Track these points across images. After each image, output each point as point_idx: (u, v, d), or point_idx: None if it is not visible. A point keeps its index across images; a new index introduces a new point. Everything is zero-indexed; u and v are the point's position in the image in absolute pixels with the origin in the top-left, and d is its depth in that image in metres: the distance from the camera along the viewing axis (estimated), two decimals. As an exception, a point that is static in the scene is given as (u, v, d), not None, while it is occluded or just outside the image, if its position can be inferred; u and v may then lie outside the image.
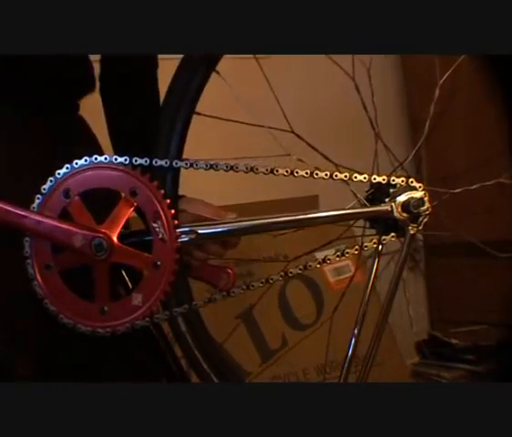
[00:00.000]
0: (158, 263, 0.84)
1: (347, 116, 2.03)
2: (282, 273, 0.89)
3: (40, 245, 0.83)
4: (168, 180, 0.89)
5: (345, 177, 0.89)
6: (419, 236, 0.94)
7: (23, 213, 0.81)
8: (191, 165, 0.88)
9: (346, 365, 0.92)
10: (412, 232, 0.90)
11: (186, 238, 0.86)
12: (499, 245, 2.02)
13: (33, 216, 0.82)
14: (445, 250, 2.29)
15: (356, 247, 0.92)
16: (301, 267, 0.89)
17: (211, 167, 0.87)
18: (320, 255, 0.94)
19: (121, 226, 0.84)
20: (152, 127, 0.91)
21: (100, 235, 0.82)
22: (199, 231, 0.87)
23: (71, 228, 0.82)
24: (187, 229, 0.86)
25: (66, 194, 0.83)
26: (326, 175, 0.89)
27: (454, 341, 2.09)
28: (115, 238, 0.83)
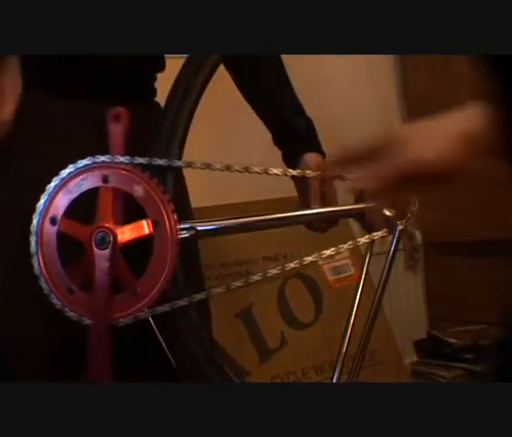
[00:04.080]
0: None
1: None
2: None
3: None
4: (168, 178, 0.90)
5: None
6: (418, 235, 0.96)
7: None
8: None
9: (339, 364, 0.92)
10: (400, 228, 0.92)
11: (186, 234, 0.87)
12: (497, 244, 2.02)
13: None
14: (444, 249, 2.29)
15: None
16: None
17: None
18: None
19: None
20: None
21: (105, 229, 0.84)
22: (198, 228, 0.89)
23: None
24: (187, 226, 0.88)
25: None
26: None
27: (453, 341, 2.09)
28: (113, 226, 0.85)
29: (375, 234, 0.93)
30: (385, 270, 0.94)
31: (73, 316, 0.85)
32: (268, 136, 1.09)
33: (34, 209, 0.85)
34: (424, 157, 0.65)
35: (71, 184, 0.85)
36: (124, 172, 0.86)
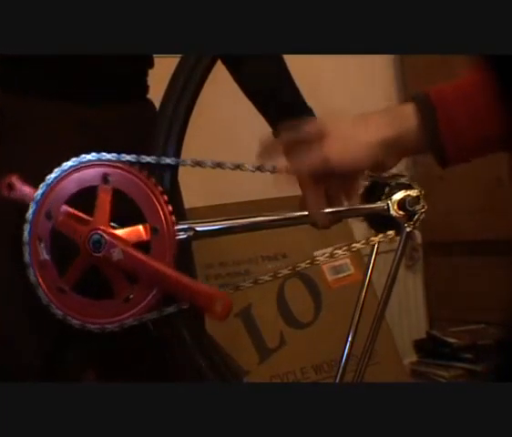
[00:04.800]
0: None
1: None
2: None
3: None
4: (166, 177, 0.89)
5: None
6: (418, 235, 0.95)
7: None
8: (199, 163, 0.89)
9: (342, 364, 0.92)
10: (408, 230, 0.90)
11: (184, 235, 0.87)
12: (497, 244, 2.02)
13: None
14: (444, 249, 2.30)
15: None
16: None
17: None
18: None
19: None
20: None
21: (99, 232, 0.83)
22: (197, 228, 0.88)
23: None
24: (185, 227, 0.87)
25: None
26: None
27: (452, 340, 2.10)
28: (110, 230, 0.84)
29: (382, 235, 0.91)
30: (392, 271, 0.92)
31: (165, 311, 0.85)
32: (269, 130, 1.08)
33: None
34: (332, 158, 0.69)
35: None
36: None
